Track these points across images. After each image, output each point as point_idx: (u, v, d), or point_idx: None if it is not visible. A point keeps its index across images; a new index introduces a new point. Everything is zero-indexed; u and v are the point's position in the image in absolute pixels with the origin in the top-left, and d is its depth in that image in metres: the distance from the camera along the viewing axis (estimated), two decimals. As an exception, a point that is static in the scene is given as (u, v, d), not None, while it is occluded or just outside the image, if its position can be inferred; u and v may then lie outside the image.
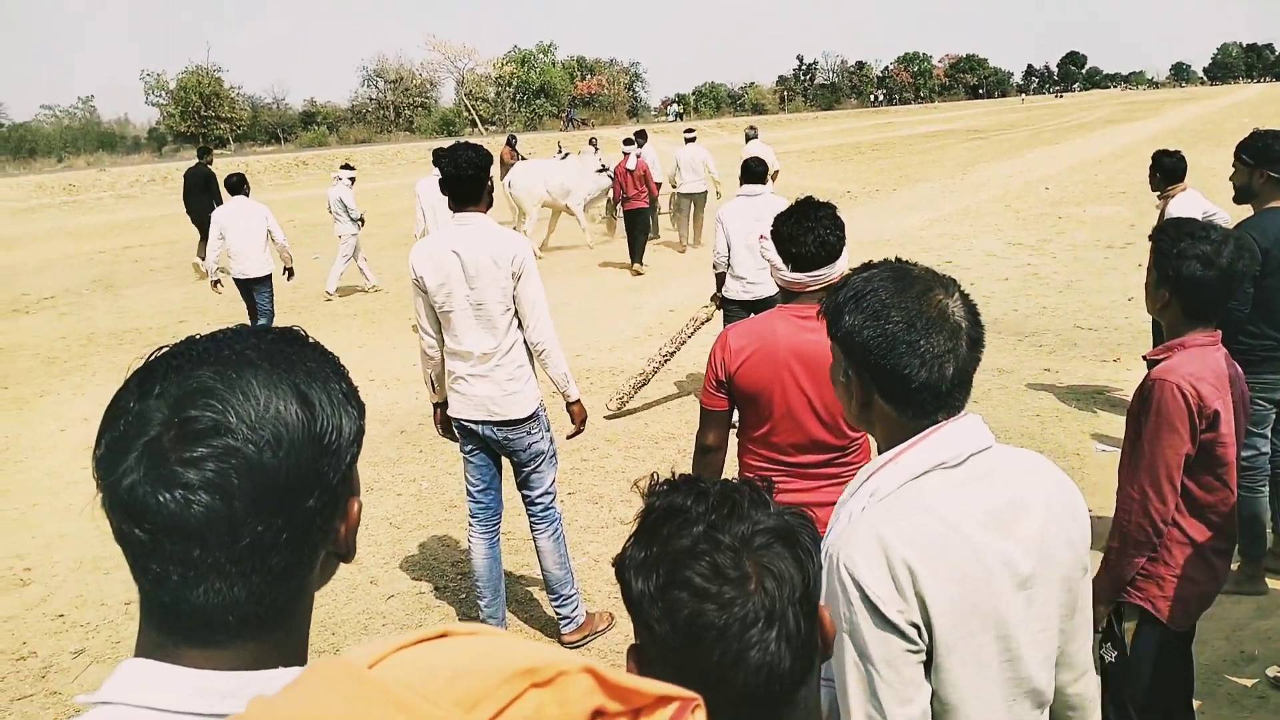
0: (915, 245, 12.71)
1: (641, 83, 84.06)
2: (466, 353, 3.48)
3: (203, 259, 13.09)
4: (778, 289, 2.62)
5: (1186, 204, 5.39)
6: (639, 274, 12.19)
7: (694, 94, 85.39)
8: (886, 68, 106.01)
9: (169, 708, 0.73)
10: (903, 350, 1.34)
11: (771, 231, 2.57)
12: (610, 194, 13.89)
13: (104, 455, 0.76)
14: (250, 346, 0.80)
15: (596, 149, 15.62)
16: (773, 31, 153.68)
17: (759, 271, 5.89)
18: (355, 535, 0.85)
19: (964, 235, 13.29)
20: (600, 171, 14.19)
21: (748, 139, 13.73)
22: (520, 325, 3.52)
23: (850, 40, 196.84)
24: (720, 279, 6.17)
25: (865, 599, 1.26)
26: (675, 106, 72.09)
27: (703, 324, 6.83)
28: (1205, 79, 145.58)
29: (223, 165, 34.79)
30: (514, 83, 68.70)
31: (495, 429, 3.58)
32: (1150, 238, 2.42)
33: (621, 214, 12.99)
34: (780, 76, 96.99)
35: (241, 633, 0.76)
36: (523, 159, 16.96)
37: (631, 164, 12.65)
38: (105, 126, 57.87)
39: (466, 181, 3.34)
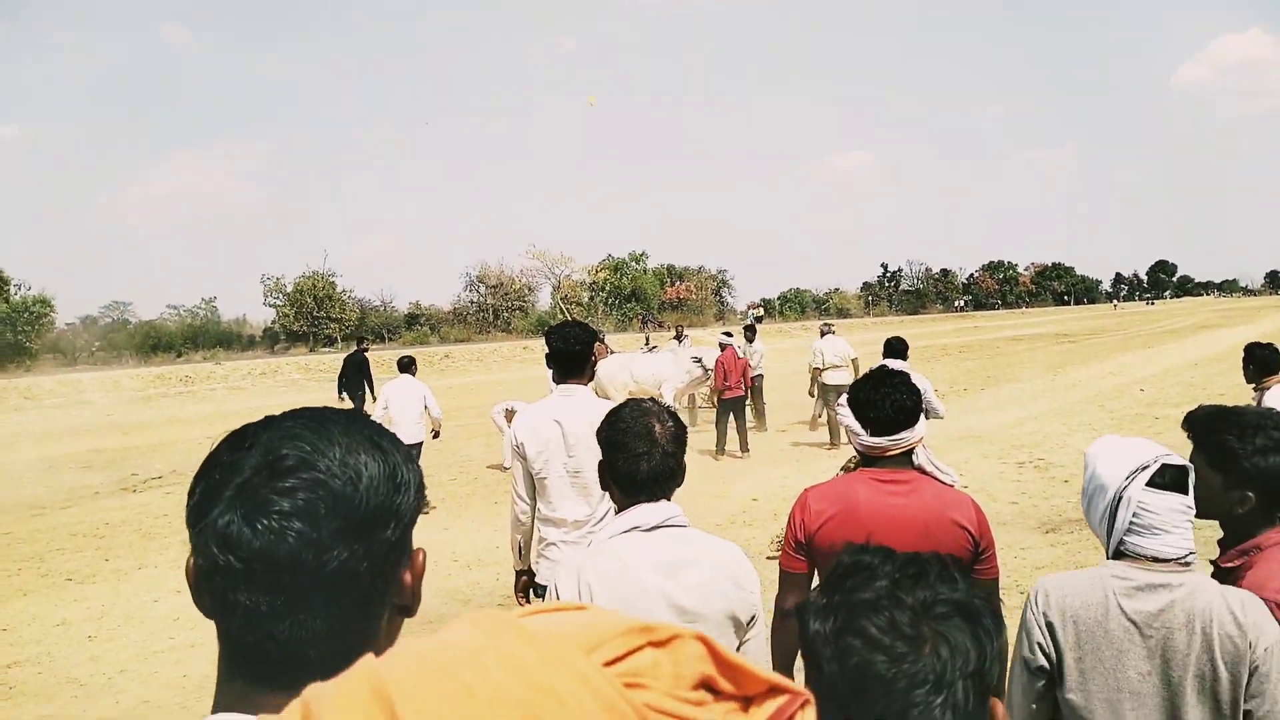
0: (1006, 441, 12.49)
1: (728, 288, 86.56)
2: (560, 519, 3.53)
3: None
4: (860, 453, 2.64)
5: (1282, 393, 5.26)
6: (744, 457, 12.50)
7: (779, 299, 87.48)
8: (972, 275, 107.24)
9: None
10: (613, 451, 2.13)
11: (849, 399, 2.63)
12: (711, 383, 14.23)
13: (198, 501, 0.83)
14: (327, 412, 0.89)
15: (681, 339, 16.20)
16: (857, 239, 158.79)
17: None
18: (420, 587, 0.92)
19: (1056, 434, 13.01)
20: (696, 362, 14.54)
21: (822, 334, 14.04)
22: None
23: (935, 249, 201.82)
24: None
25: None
26: (758, 310, 73.75)
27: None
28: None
29: (329, 360, 36.52)
30: (607, 287, 71.65)
31: None
32: (1190, 428, 2.14)
33: (718, 402, 13.32)
34: (865, 283, 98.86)
35: (321, 673, 0.78)
36: (612, 353, 17.52)
37: (740, 355, 13.16)
38: (224, 325, 61.66)
39: (574, 356, 3.55)
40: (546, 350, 3.62)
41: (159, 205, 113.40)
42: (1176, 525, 1.87)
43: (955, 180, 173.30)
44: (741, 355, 13.26)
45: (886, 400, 2.51)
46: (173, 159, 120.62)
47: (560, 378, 3.60)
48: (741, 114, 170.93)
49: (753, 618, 2.10)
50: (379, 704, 0.53)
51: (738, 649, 2.05)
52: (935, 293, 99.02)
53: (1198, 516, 1.98)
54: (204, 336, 56.48)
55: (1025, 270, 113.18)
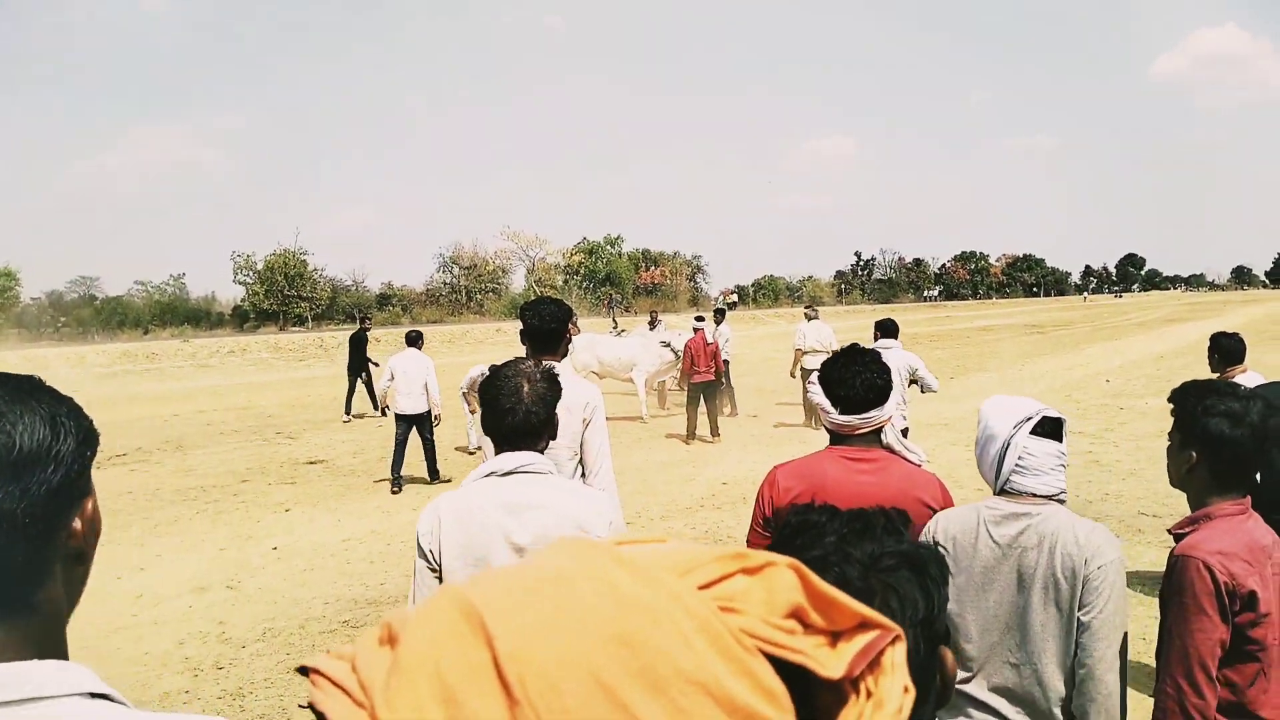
0: (972, 430, 12.59)
1: (703, 274, 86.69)
2: None
3: (348, 413, 16.46)
4: (830, 432, 2.64)
5: (1246, 384, 5.35)
6: (714, 441, 12.53)
7: (753, 285, 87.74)
8: (944, 265, 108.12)
9: None
10: (486, 405, 2.42)
11: (819, 376, 2.62)
12: (679, 367, 14.18)
13: None
14: (19, 384, 0.95)
15: (654, 324, 16.22)
16: (831, 229, 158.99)
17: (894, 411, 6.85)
18: (94, 537, 0.97)
19: (1023, 422, 13.14)
20: (664, 346, 14.55)
21: (808, 318, 14.03)
22: (584, 473, 3.53)
23: (908, 238, 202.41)
24: None
25: (418, 534, 2.30)
26: (732, 297, 73.95)
27: None
28: (1267, 282, 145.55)
29: (298, 339, 36.21)
30: (581, 271, 71.51)
31: None
32: (1170, 399, 2.27)
33: (688, 386, 13.24)
34: (838, 271, 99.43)
35: None
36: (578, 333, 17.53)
37: (709, 337, 13.02)
38: (193, 302, 60.95)
39: (549, 333, 3.55)
40: (521, 326, 3.61)
41: (129, 177, 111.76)
42: (1052, 468, 2.20)
43: (933, 167, 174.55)
44: (711, 339, 13.18)
45: (857, 378, 2.51)
46: (145, 130, 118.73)
47: (534, 354, 3.59)
48: (722, 98, 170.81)
49: None
50: (468, 621, 0.53)
51: None
52: (908, 282, 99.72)
53: (1170, 484, 2.27)
54: (172, 313, 55.80)
55: (996, 261, 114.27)
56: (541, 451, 2.40)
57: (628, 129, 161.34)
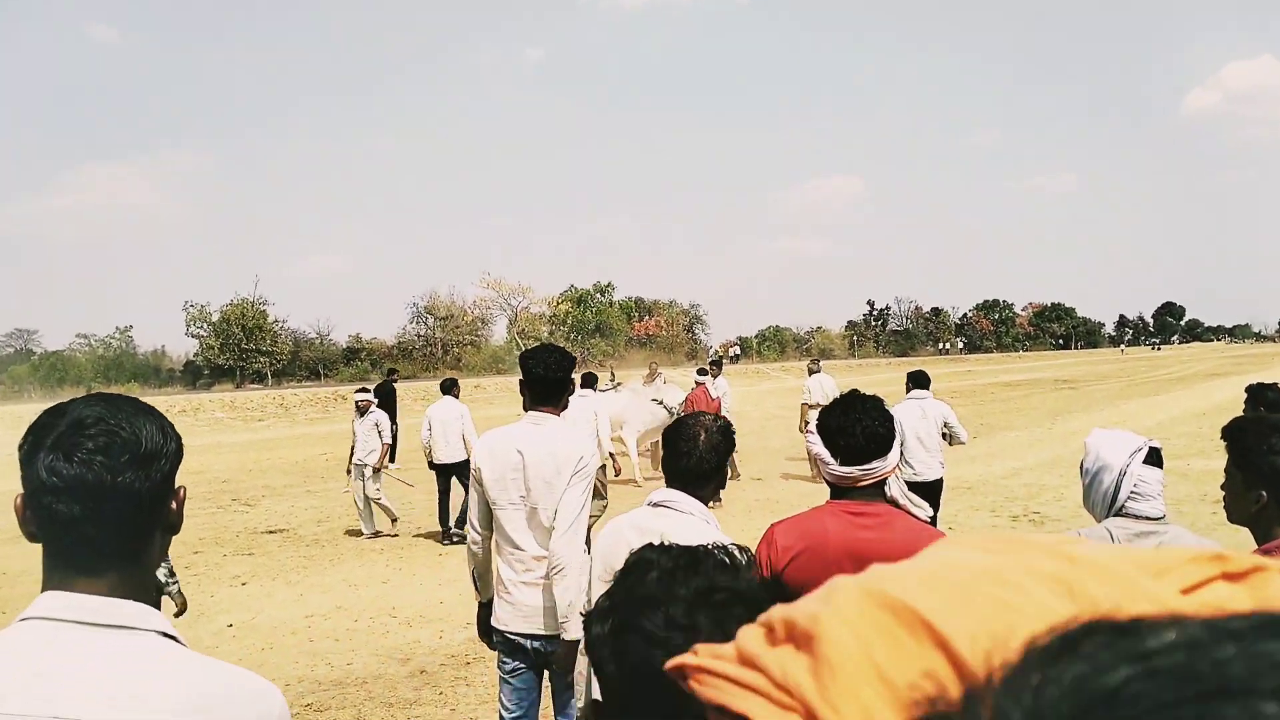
0: (999, 493, 12.66)
1: (702, 324, 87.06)
2: (519, 556, 3.57)
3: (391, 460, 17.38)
4: (829, 484, 2.68)
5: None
6: (712, 508, 12.35)
7: (757, 337, 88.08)
8: (965, 315, 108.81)
9: (63, 618, 1.26)
10: (666, 446, 2.95)
11: (819, 425, 2.66)
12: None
13: (28, 449, 1.29)
14: (117, 395, 1.39)
15: (654, 376, 16.37)
16: (843, 273, 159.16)
17: (927, 457, 8.37)
18: (182, 513, 1.41)
19: (1053, 486, 13.20)
20: (656, 403, 14.63)
21: (811, 372, 14.22)
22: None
23: (926, 285, 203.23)
24: None
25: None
26: (734, 349, 74.21)
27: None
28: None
29: (257, 397, 36.20)
30: (569, 321, 71.74)
31: (545, 643, 3.56)
32: (1226, 436, 2.45)
33: None
34: (850, 321, 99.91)
35: (108, 567, 1.30)
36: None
37: (714, 392, 13.25)
38: (141, 357, 60.96)
39: (552, 384, 3.64)
40: (522, 375, 3.70)
41: (73, 221, 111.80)
42: (1158, 493, 2.59)
43: (949, 210, 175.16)
44: (716, 395, 13.34)
45: (857, 426, 2.55)
46: (91, 169, 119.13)
47: (532, 404, 3.67)
48: (718, 134, 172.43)
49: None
50: (898, 618, 0.52)
51: None
52: (925, 333, 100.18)
53: (1230, 520, 2.54)
54: (118, 370, 55.79)
55: (1023, 310, 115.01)
56: (706, 497, 2.88)
57: (618, 169, 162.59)
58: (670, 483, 2.88)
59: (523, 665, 3.65)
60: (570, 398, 3.79)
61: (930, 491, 8.23)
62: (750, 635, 0.58)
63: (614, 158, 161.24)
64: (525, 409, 3.70)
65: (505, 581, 3.63)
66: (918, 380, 8.92)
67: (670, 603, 0.93)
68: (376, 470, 11.25)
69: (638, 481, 14.67)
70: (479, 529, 3.72)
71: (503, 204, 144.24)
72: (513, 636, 3.61)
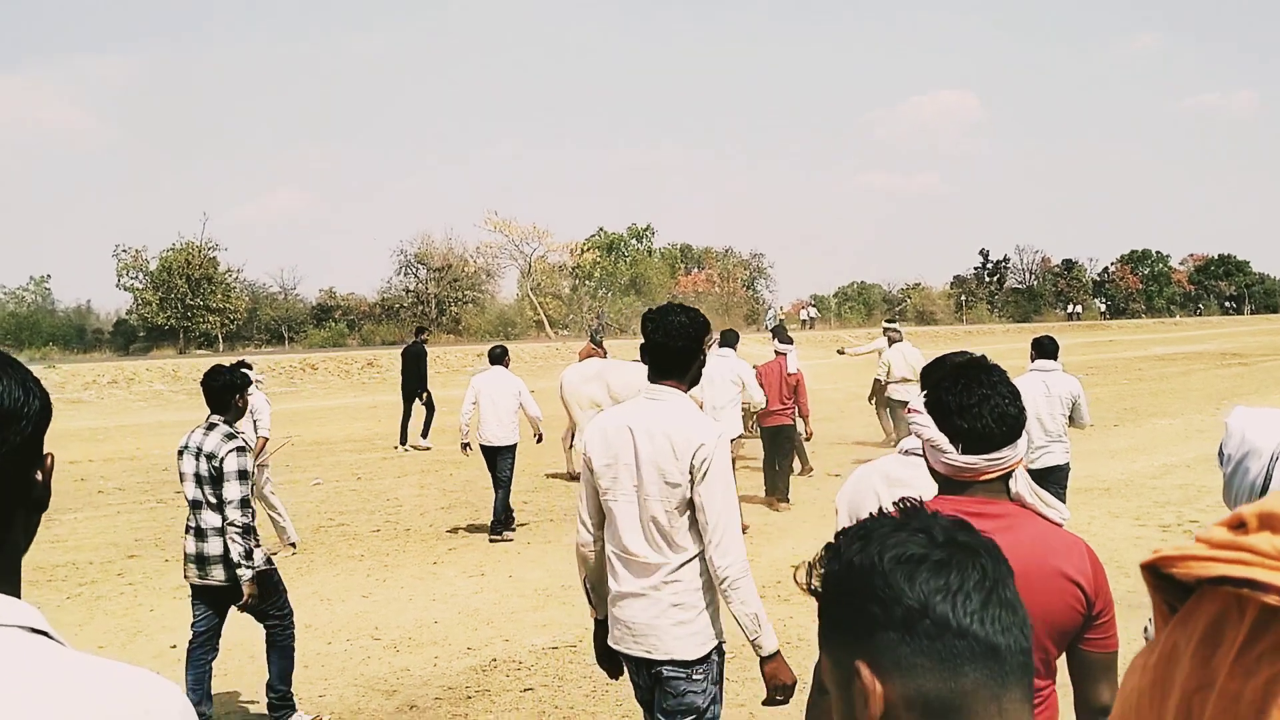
0: (1146, 496, 12.60)
1: (765, 279, 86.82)
2: (628, 559, 3.75)
3: (403, 443, 18.79)
4: (938, 476, 2.65)
5: None
6: (780, 509, 12.75)
7: (837, 296, 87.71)
8: (1106, 269, 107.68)
9: None
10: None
11: (929, 402, 2.64)
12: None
13: None
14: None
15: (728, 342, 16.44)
16: (947, 219, 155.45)
17: (1048, 441, 8.71)
18: (49, 485, 1.44)
19: (1214, 488, 13.02)
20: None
21: (891, 341, 14.43)
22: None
23: (1055, 232, 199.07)
24: None
25: None
26: (810, 310, 73.88)
27: None
28: None
29: (206, 365, 36.69)
30: (596, 274, 71.72)
31: (647, 669, 3.74)
32: None
33: (758, 430, 13.63)
34: (956, 277, 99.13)
35: None
36: (600, 355, 17.82)
37: (792, 366, 13.06)
38: (61, 315, 61.74)
39: (674, 354, 3.77)
40: (641, 340, 3.87)
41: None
42: None
43: (1087, 135, 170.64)
44: (795, 368, 13.05)
45: (984, 405, 2.54)
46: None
47: (654, 376, 3.83)
48: (790, 38, 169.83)
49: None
50: None
51: None
52: (1054, 292, 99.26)
53: None
54: (31, 330, 56.57)
55: (1181, 265, 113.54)
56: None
57: (663, 82, 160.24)
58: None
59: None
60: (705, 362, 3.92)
61: (1051, 481, 8.60)
62: (1217, 531, 0.83)
63: (658, 67, 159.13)
64: (647, 379, 3.85)
65: (613, 592, 3.82)
66: (1044, 349, 9.19)
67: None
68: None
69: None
70: (590, 527, 3.89)
71: (515, 126, 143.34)
72: (633, 657, 3.81)
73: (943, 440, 2.57)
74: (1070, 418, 8.90)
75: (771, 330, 15.68)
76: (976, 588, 1.19)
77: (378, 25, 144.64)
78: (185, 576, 6.40)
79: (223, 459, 6.13)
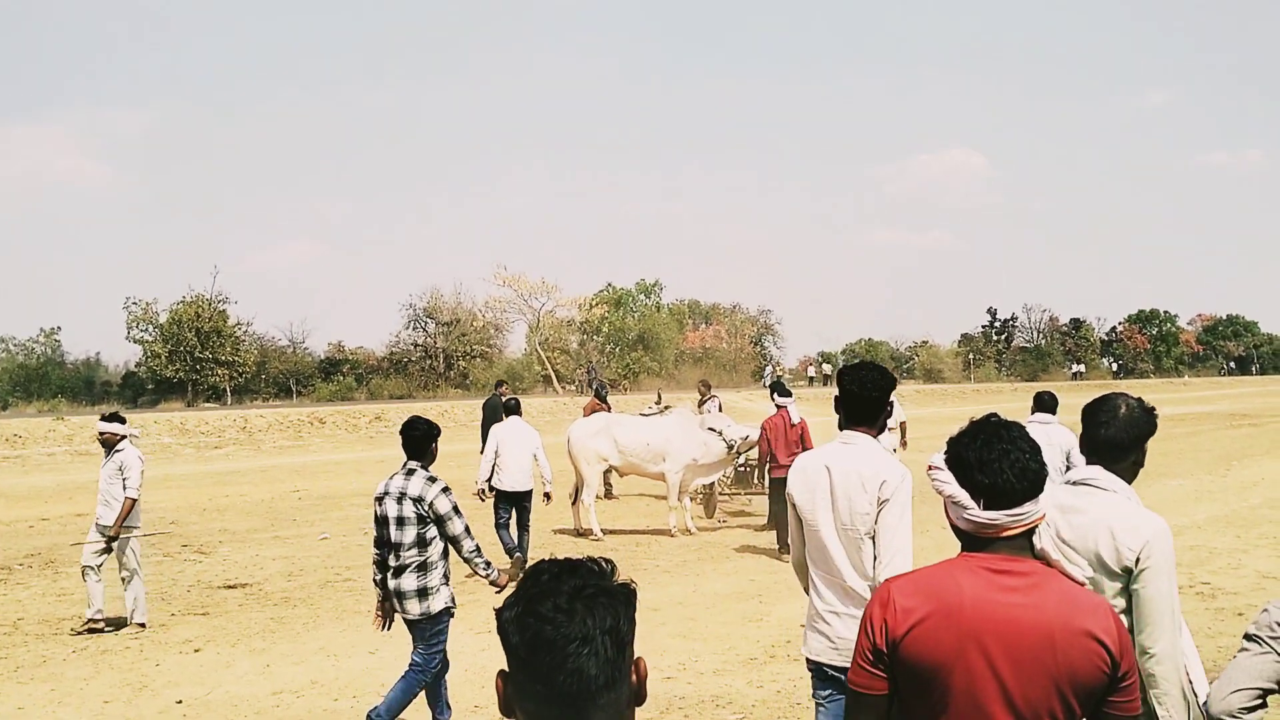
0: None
1: (774, 335, 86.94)
2: (830, 583, 4.34)
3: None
4: (960, 533, 2.66)
5: None
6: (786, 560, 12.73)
7: (844, 352, 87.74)
8: (1114, 329, 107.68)
9: None
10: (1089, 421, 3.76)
11: (949, 458, 2.66)
12: (740, 462, 14.70)
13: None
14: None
15: (705, 400, 16.74)
16: (954, 276, 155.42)
17: (1049, 489, 8.59)
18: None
19: (1226, 549, 13.06)
20: (714, 433, 14.73)
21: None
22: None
23: (1063, 291, 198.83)
24: None
25: None
26: (814, 366, 73.84)
27: None
28: None
29: (214, 419, 36.73)
30: (605, 328, 71.83)
31: None
32: None
33: (767, 481, 14.14)
34: (964, 335, 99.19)
35: None
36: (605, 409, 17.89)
37: (795, 418, 13.64)
38: (71, 367, 61.93)
39: (869, 403, 4.45)
40: (837, 392, 4.58)
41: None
42: None
43: (1096, 194, 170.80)
44: (797, 419, 13.67)
45: (1004, 461, 2.56)
46: (11, 133, 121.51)
47: (846, 423, 4.51)
48: (798, 95, 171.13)
49: (1127, 569, 3.35)
50: None
51: (1118, 594, 3.35)
52: (1063, 351, 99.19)
53: None
54: (41, 382, 56.78)
55: (1189, 324, 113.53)
56: (1126, 475, 3.65)
57: (672, 138, 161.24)
58: (1090, 459, 3.65)
59: (839, 694, 4.18)
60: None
61: None
62: None
63: (668, 123, 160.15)
64: (840, 428, 4.53)
65: (817, 611, 4.36)
66: (1043, 404, 10.25)
67: (555, 596, 1.71)
68: (112, 539, 10.45)
69: (673, 532, 14.78)
70: (797, 548, 4.59)
71: (525, 181, 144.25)
72: (827, 668, 4.32)
73: (964, 496, 2.58)
74: (1067, 469, 9.27)
75: (770, 386, 15.91)
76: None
77: (389, 79, 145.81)
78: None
79: (432, 502, 6.82)
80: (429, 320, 69.73)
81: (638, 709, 1.80)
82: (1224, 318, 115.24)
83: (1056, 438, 9.52)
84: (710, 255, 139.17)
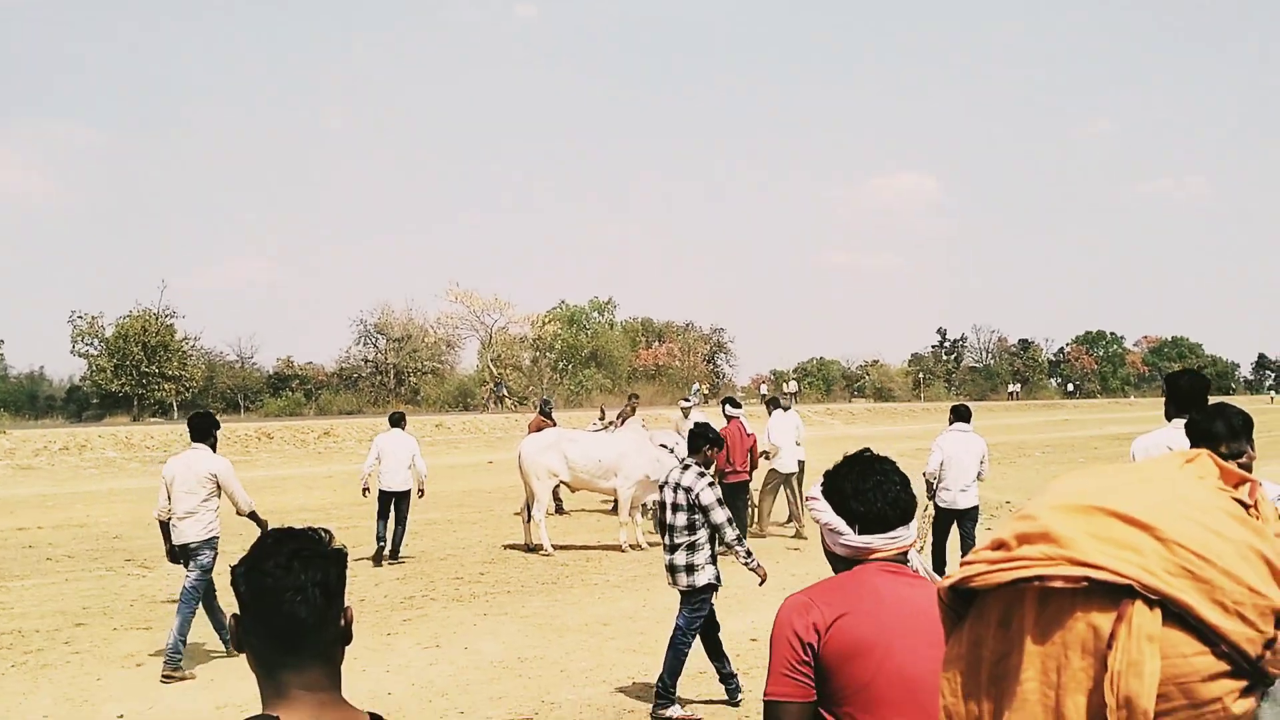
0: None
1: (726, 353, 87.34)
2: None
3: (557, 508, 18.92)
4: (836, 559, 2.89)
5: None
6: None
7: (796, 371, 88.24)
8: (1061, 349, 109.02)
9: None
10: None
11: (824, 488, 2.87)
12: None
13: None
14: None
15: (625, 415, 17.34)
16: (905, 298, 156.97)
17: (967, 484, 11.57)
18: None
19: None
20: (665, 449, 14.81)
21: (781, 407, 16.66)
22: None
23: (1012, 312, 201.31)
24: (929, 489, 11.46)
25: None
26: (791, 384, 74.06)
27: (927, 518, 11.61)
28: None
29: (160, 433, 36.31)
30: (557, 345, 71.78)
31: None
32: None
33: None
34: (914, 354, 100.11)
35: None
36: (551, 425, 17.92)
37: (747, 429, 14.75)
38: (14, 380, 61.21)
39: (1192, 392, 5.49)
40: (1165, 388, 5.50)
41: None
42: None
43: (1043, 217, 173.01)
44: (750, 431, 14.71)
45: (878, 491, 2.78)
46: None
47: (1171, 413, 5.40)
48: (753, 117, 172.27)
49: None
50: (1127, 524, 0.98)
51: None
52: (1011, 371, 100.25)
53: None
54: (-18, 396, 55.99)
55: (1135, 346, 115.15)
56: None
57: (624, 159, 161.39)
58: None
59: None
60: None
61: (969, 518, 11.77)
62: (986, 553, 1.03)
63: (620, 145, 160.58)
64: (1167, 418, 5.41)
65: None
66: (960, 414, 12.03)
67: (277, 555, 2.05)
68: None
69: (623, 547, 14.80)
70: None
71: (477, 198, 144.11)
72: None
73: (839, 523, 2.79)
74: (980, 475, 11.74)
75: (723, 400, 16.38)
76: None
77: (338, 97, 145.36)
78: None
79: (699, 493, 7.77)
80: (379, 336, 69.52)
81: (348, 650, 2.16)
82: (1169, 339, 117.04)
83: (973, 445, 11.67)
84: (664, 274, 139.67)
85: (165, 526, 9.85)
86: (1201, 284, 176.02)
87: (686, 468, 8.01)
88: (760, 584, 8.07)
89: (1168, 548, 0.96)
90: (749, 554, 7.84)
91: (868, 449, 2.98)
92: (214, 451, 9.85)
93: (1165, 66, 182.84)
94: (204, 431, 9.81)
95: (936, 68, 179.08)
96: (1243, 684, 0.94)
